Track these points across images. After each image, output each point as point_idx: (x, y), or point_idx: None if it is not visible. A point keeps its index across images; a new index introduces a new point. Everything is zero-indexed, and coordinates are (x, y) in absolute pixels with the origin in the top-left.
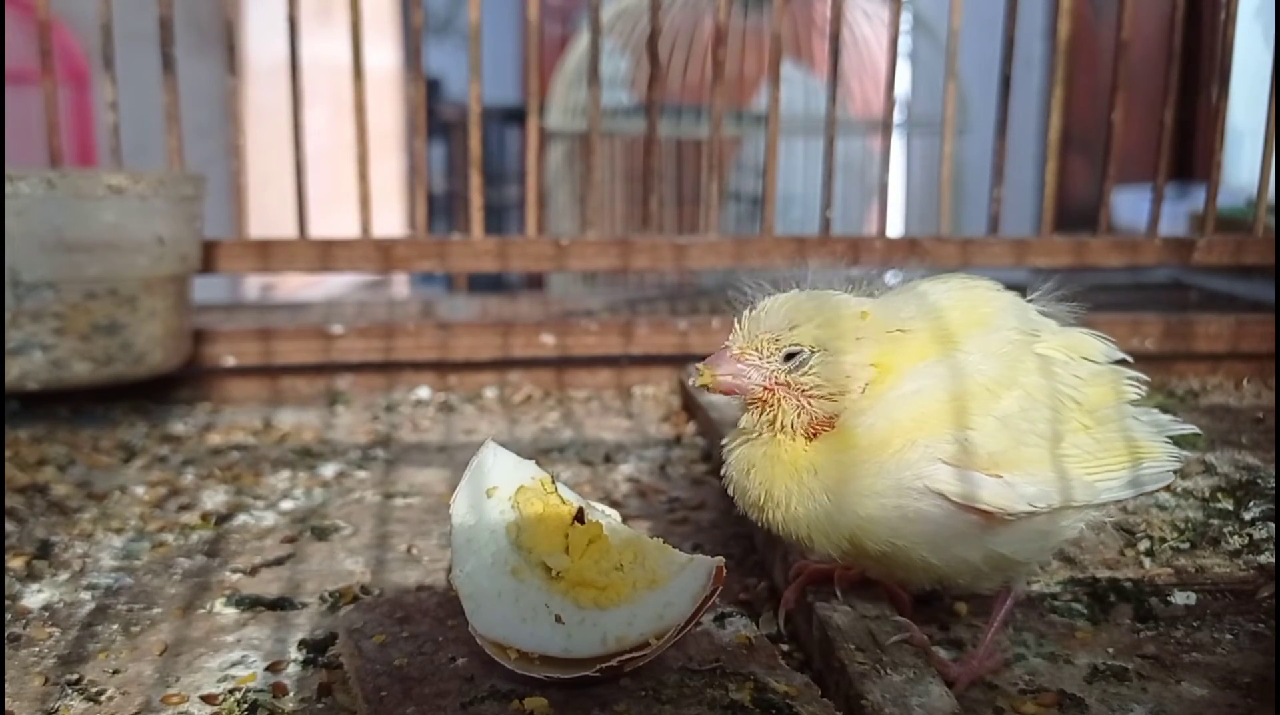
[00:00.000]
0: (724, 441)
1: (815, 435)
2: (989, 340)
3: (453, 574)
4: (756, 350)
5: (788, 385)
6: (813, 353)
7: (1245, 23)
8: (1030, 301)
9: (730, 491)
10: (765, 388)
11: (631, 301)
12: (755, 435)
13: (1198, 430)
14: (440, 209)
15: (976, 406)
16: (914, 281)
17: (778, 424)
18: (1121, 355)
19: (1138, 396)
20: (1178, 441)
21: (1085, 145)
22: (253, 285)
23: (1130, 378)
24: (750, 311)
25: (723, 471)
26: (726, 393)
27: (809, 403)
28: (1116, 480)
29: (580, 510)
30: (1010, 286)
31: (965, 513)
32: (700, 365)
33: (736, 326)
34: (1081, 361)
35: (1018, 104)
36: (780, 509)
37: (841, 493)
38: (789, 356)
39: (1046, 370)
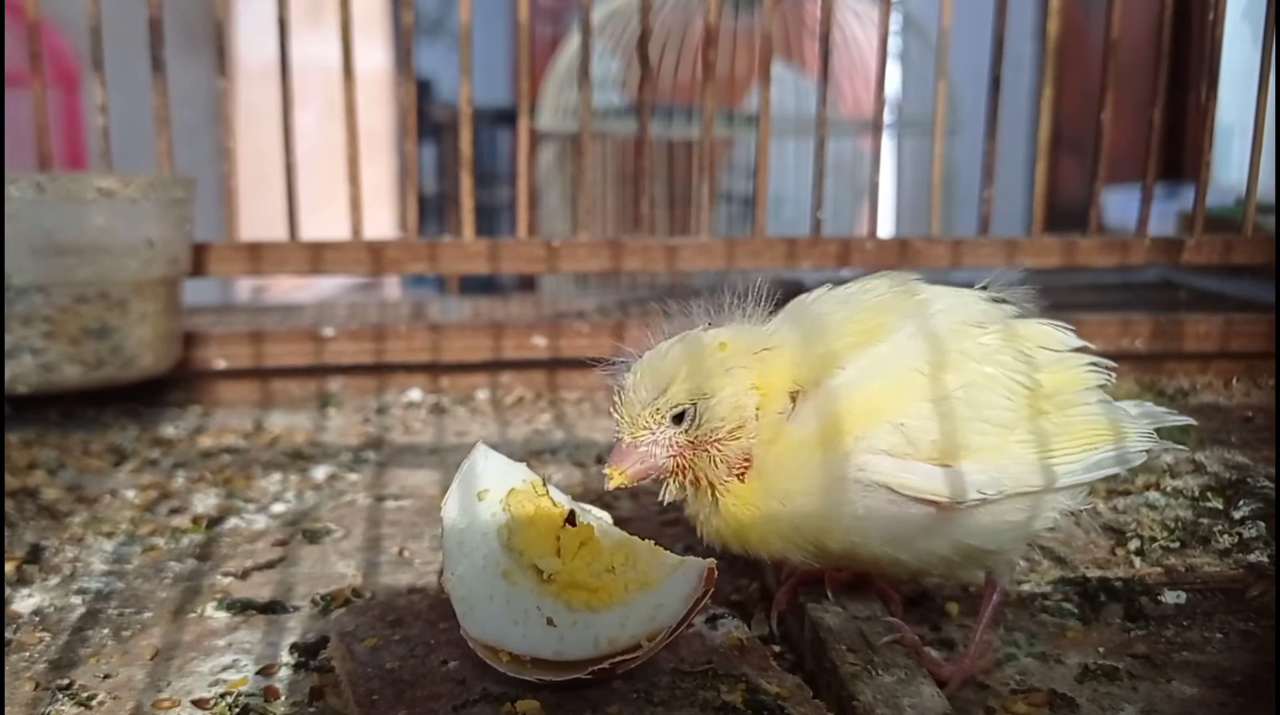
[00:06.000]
0: (685, 511)
1: (743, 474)
2: (880, 348)
3: (444, 577)
4: (646, 428)
5: (691, 444)
6: (694, 405)
7: (1233, 22)
8: (983, 287)
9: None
10: (673, 458)
11: (623, 303)
12: (696, 498)
13: (1190, 421)
14: (431, 210)
15: (910, 394)
16: (821, 293)
17: (704, 482)
18: (1081, 343)
19: (1102, 382)
20: (1170, 434)
21: (1075, 145)
22: (244, 288)
23: (1091, 364)
24: (621, 394)
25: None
26: (644, 479)
27: (718, 449)
28: (1078, 464)
29: (572, 512)
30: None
31: (917, 504)
32: (608, 469)
33: (618, 414)
34: (1037, 349)
35: (1008, 104)
36: (759, 546)
37: (792, 498)
38: (676, 419)
39: (991, 357)
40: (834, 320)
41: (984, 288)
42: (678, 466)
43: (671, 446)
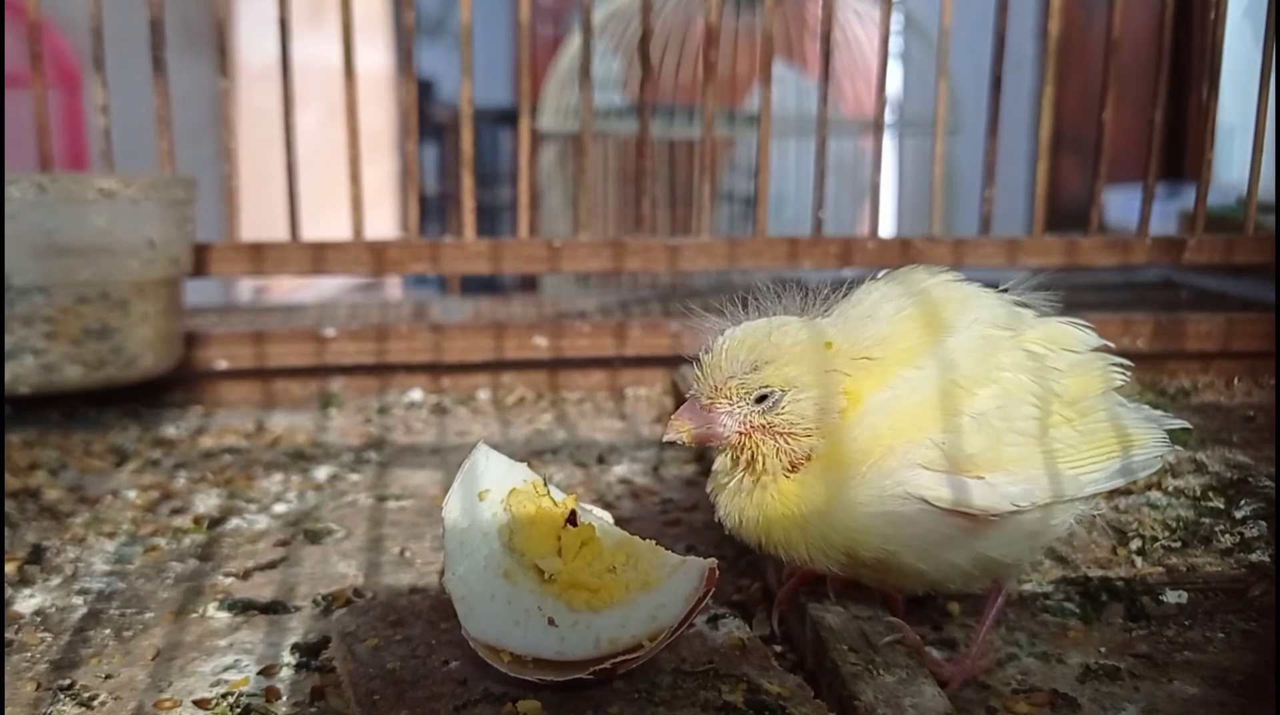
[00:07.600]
0: (709, 486)
1: (795, 469)
2: (952, 343)
3: (445, 577)
4: (726, 397)
5: (763, 427)
6: (783, 392)
7: (1234, 22)
8: (1004, 291)
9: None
10: (740, 434)
11: (624, 303)
12: (738, 479)
13: (1188, 425)
14: (433, 210)
15: (951, 408)
16: (867, 286)
17: (758, 467)
18: (1101, 342)
19: (1121, 383)
20: (1169, 436)
21: (1076, 145)
22: (245, 288)
23: (1113, 365)
24: (709, 354)
25: (716, 515)
26: (703, 443)
27: (785, 441)
28: (1101, 471)
29: (573, 512)
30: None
31: (951, 516)
32: (673, 420)
33: (699, 372)
34: (1061, 352)
35: (1009, 104)
36: (780, 544)
37: (831, 509)
38: (760, 398)
39: (1022, 365)
40: (883, 333)
41: (1005, 290)
42: (740, 442)
43: (743, 423)
